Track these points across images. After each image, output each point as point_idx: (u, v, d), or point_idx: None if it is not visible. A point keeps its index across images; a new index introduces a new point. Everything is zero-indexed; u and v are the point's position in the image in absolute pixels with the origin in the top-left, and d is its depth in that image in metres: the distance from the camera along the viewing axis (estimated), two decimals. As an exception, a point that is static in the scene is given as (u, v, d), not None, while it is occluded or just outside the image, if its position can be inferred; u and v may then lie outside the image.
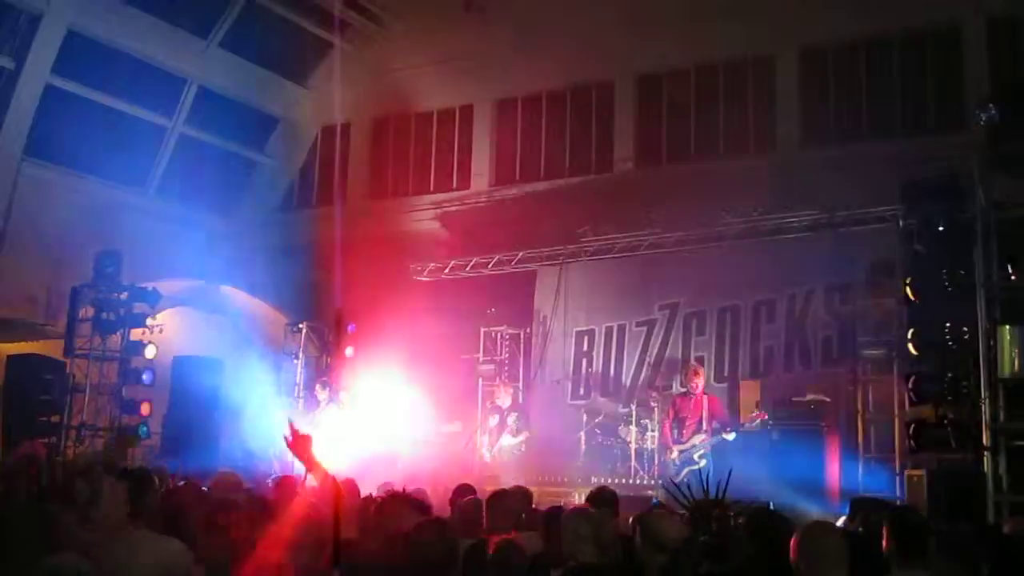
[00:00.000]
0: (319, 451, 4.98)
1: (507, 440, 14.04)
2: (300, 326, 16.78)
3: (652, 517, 5.34)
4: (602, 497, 6.92)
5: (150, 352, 14.86)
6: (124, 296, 14.84)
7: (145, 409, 14.85)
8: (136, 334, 14.98)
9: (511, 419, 14.10)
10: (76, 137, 15.82)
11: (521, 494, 7.22)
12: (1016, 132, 8.65)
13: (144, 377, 14.90)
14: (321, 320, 16.95)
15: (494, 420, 14.25)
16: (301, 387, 16.35)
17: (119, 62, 16.36)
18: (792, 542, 4.15)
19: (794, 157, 14.92)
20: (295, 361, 16.67)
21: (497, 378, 15.40)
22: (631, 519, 5.58)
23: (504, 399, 14.32)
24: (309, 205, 20.15)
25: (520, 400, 15.06)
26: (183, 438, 15.09)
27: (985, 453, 8.30)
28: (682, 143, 16.40)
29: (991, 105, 8.76)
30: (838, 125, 15.09)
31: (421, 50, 18.15)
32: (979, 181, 8.70)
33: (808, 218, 13.49)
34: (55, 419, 14.37)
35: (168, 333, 15.29)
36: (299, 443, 4.91)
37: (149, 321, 14.92)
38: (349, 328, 16.03)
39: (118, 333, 14.93)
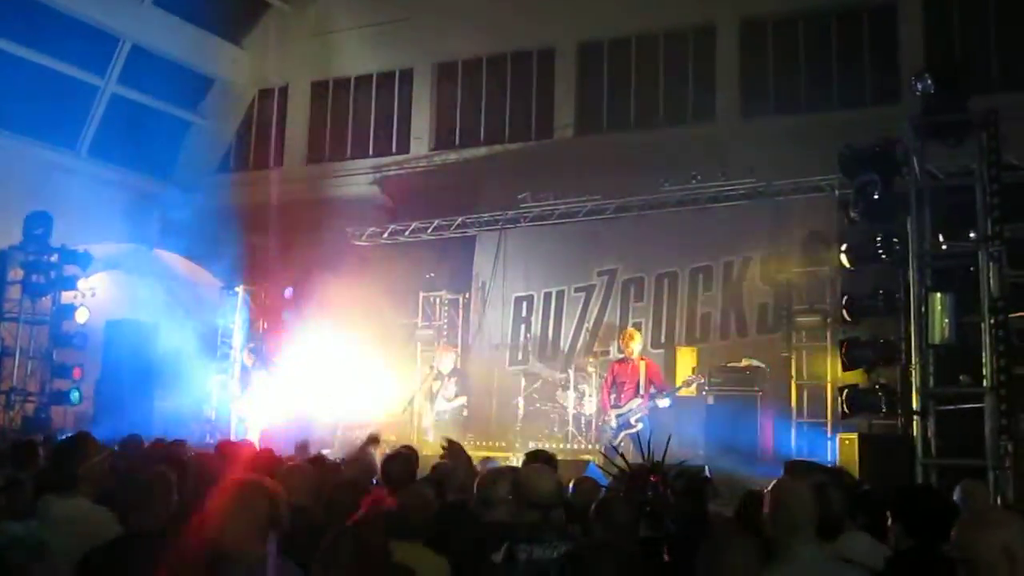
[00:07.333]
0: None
1: (442, 404, 14.00)
2: (236, 290, 16.56)
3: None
4: (539, 459, 6.90)
5: (82, 316, 14.56)
6: (54, 259, 14.55)
7: (77, 374, 14.59)
8: (67, 297, 14.69)
9: (451, 384, 14.06)
10: (5, 96, 15.49)
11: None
12: (949, 103, 8.77)
13: (75, 341, 14.63)
14: (257, 284, 16.74)
15: (437, 385, 14.19)
16: (237, 351, 16.15)
17: (51, 19, 15.95)
18: (767, 499, 4.15)
19: (733, 127, 15.04)
20: (231, 325, 16.46)
21: (436, 343, 15.36)
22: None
23: (445, 363, 14.26)
24: (245, 168, 19.89)
25: (458, 365, 15.03)
26: (116, 403, 14.85)
27: (915, 417, 8.46)
28: (622, 111, 16.45)
29: (926, 76, 8.86)
30: (777, 96, 15.23)
31: (361, 12, 17.97)
32: (913, 151, 8.81)
33: (746, 187, 13.60)
34: (-16, 383, 14.12)
35: (100, 297, 15.00)
36: None
37: (80, 284, 14.62)
38: (286, 292, 15.89)
39: (48, 296, 14.64)
